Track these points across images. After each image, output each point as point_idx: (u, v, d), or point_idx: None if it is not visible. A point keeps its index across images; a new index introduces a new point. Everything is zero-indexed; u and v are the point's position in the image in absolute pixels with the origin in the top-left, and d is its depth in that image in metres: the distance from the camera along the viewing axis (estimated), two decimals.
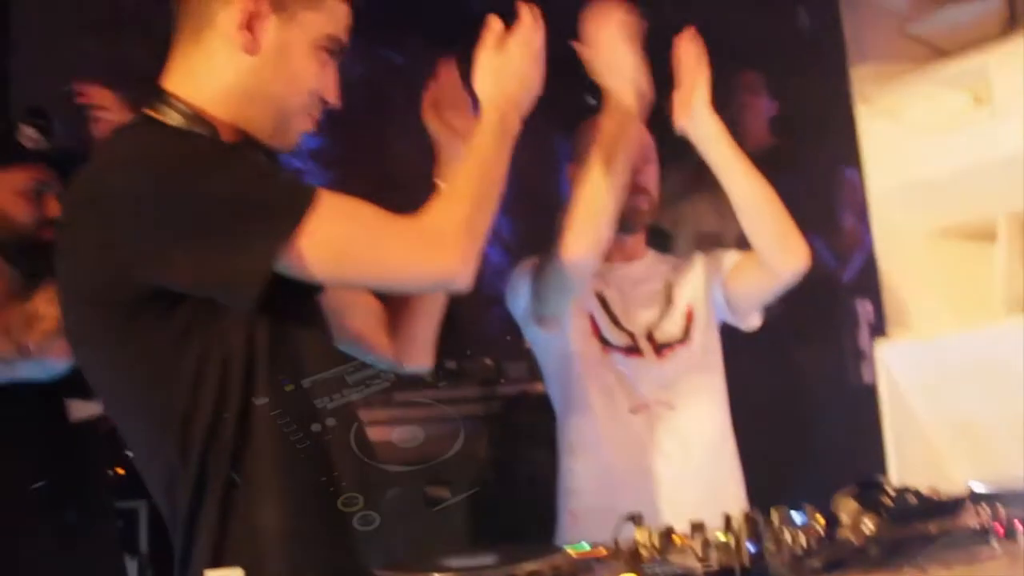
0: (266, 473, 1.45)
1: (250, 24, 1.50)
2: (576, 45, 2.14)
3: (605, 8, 2.15)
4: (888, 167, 2.63)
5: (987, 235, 2.53)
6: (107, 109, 2.26)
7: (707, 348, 2.50)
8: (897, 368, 2.56)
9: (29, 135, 2.29)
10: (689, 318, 2.49)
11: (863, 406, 3.26)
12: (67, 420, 2.28)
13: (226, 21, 1.50)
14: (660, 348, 2.44)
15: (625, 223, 2.36)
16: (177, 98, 1.52)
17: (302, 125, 1.58)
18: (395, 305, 1.86)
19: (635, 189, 2.34)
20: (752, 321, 2.54)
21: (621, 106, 2.16)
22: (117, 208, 1.40)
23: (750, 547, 1.18)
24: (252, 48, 1.51)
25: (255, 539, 1.43)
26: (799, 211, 2.48)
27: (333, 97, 1.58)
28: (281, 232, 1.38)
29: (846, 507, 1.27)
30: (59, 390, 2.24)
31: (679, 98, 2.22)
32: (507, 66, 1.68)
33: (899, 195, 2.63)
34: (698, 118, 2.23)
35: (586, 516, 2.38)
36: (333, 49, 1.56)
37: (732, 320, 2.52)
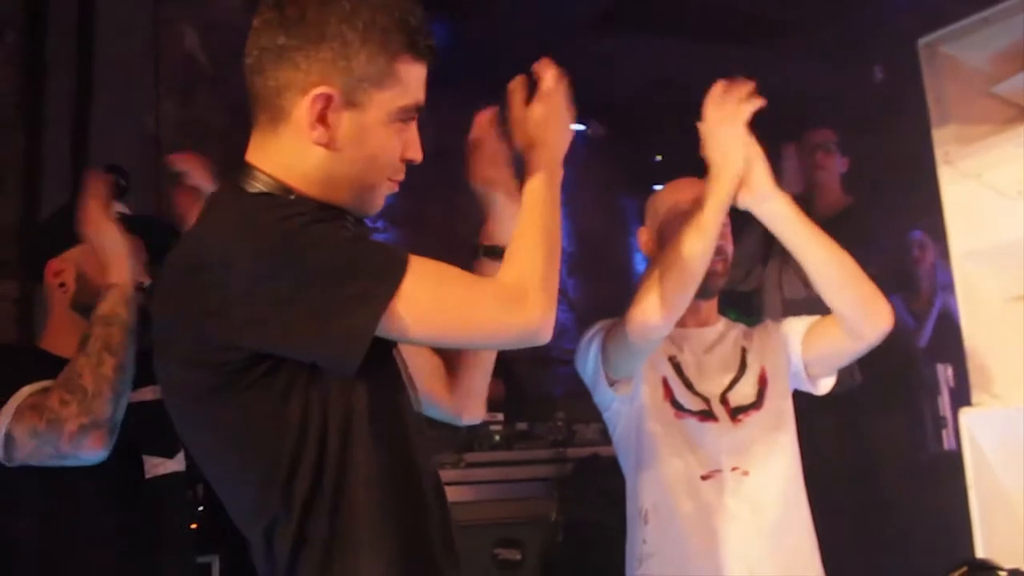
0: (364, 532, 1.47)
1: (324, 118, 1.50)
2: (699, 124, 2.22)
3: (727, 89, 2.20)
4: (972, 230, 2.57)
5: None
6: (194, 176, 2.30)
7: (781, 413, 2.45)
8: (982, 436, 2.47)
9: (117, 208, 2.34)
10: (763, 383, 2.45)
11: (944, 473, 3.18)
12: (143, 476, 2.31)
13: (300, 116, 1.50)
14: (734, 413, 2.39)
15: (702, 286, 2.33)
16: (263, 172, 1.54)
17: (387, 191, 1.60)
18: (453, 360, 1.90)
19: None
20: (826, 385, 2.49)
21: (722, 180, 2.20)
22: (219, 276, 1.43)
23: None
24: (328, 142, 1.51)
25: None
26: (875, 271, 2.42)
27: (416, 155, 1.59)
28: (380, 297, 1.41)
29: None
30: (137, 447, 2.27)
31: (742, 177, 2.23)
32: (540, 119, 1.72)
33: (983, 258, 2.56)
34: (764, 196, 2.23)
35: None
36: (410, 117, 1.56)
37: (805, 386, 2.48)
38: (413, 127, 1.57)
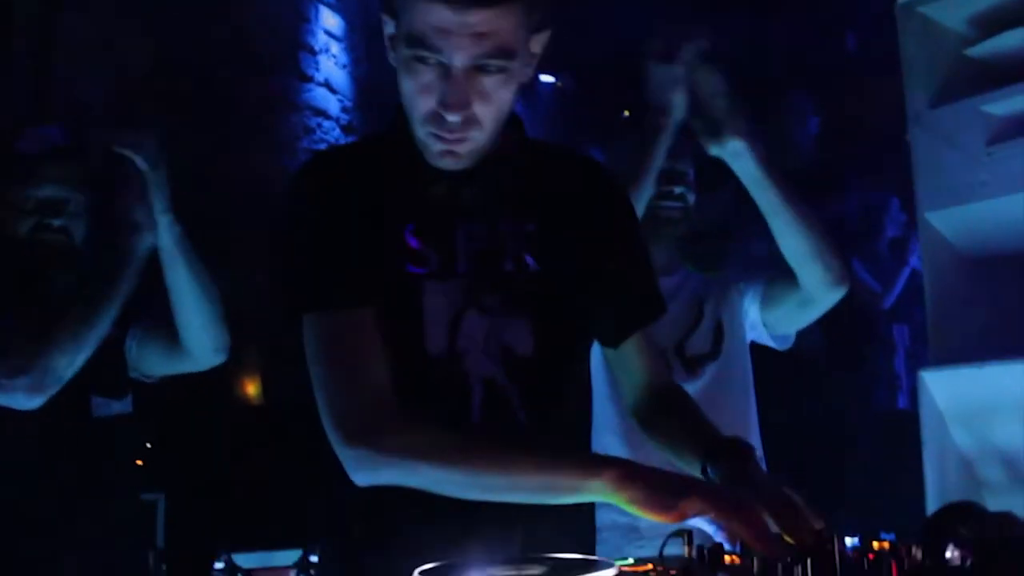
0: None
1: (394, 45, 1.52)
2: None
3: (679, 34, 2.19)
4: (939, 191, 2.57)
5: None
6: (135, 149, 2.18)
7: (737, 365, 2.46)
8: (940, 396, 2.49)
9: (42, 136, 2.26)
10: (719, 334, 2.45)
11: (898, 432, 3.23)
12: (89, 415, 2.28)
13: None
14: (692, 364, 2.39)
15: (656, 233, 2.33)
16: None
17: (435, 147, 1.52)
18: (670, 396, 1.75)
19: (665, 196, 2.31)
20: (787, 342, 2.50)
21: (659, 124, 2.22)
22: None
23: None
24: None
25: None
26: (842, 234, 2.42)
27: (439, 106, 1.46)
28: (295, 305, 1.52)
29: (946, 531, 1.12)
30: (85, 388, 2.24)
31: (713, 126, 2.21)
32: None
33: (949, 219, 2.57)
34: (735, 151, 2.20)
35: (610, 532, 2.34)
36: (421, 55, 1.44)
37: (768, 341, 2.49)
38: (436, 75, 1.45)
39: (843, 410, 3.56)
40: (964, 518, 1.11)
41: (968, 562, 0.90)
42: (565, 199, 1.64)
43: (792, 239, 2.26)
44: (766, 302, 2.45)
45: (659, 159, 2.27)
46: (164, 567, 3.39)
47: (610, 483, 1.35)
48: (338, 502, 1.59)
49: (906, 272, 3.91)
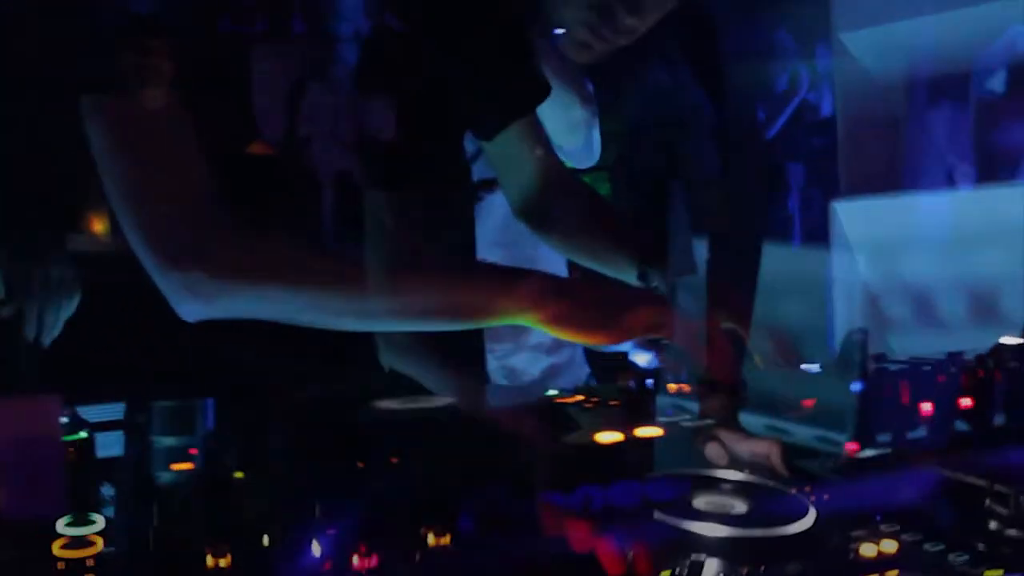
0: None
1: None
2: None
3: None
4: (858, 10, 2.47)
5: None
6: None
7: None
8: (851, 228, 2.42)
9: None
10: None
11: (793, 271, 3.16)
12: None
13: None
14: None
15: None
16: None
17: None
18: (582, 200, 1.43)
19: None
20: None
21: None
22: None
23: None
24: None
25: None
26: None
27: None
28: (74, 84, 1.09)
29: None
30: None
31: None
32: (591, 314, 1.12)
33: (867, 42, 2.47)
34: None
35: None
36: None
37: None
38: None
39: (735, 248, 3.48)
40: None
41: None
42: None
43: None
44: None
45: None
46: None
47: (528, 299, 1.07)
48: (179, 347, 1.26)
49: (795, 103, 3.81)
